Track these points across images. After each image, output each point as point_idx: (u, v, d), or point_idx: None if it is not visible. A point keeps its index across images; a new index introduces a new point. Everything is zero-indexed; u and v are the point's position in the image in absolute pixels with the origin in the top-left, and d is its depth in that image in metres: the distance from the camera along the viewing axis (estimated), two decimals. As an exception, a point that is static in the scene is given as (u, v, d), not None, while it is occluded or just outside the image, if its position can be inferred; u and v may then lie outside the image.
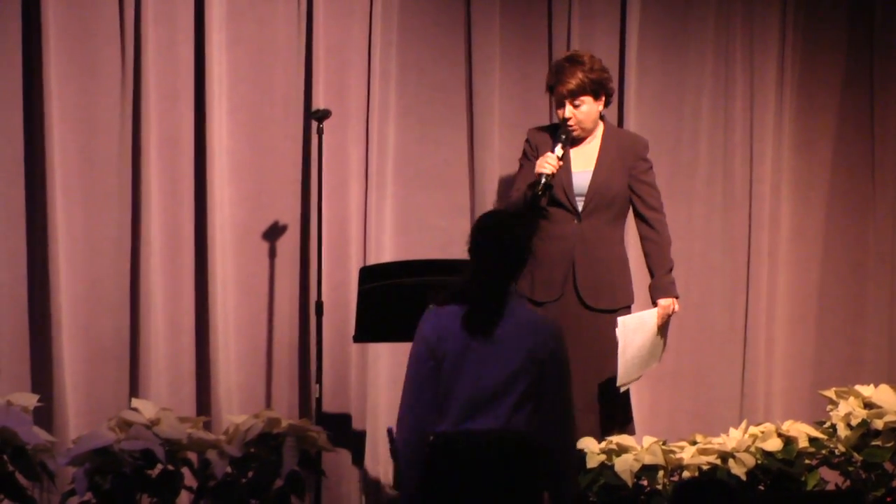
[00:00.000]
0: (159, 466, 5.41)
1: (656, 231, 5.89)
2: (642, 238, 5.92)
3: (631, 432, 5.84)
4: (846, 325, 7.02)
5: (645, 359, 5.83)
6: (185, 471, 5.53)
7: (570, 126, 5.76)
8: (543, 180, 5.65)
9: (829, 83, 7.04)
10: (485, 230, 4.29)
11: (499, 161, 6.47)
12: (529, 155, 5.85)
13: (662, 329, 5.86)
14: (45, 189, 6.04)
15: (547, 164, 5.64)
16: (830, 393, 6.10)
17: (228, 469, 5.44)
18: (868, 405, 6.00)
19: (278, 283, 6.31)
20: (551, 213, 5.74)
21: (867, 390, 6.04)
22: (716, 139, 6.89)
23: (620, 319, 5.70)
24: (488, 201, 6.49)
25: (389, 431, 4.38)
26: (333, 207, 6.28)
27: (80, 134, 6.12)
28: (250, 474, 5.50)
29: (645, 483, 5.80)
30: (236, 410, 6.13)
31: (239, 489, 5.45)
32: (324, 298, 6.03)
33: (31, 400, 5.51)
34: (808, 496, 5.73)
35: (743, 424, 6.02)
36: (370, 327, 5.53)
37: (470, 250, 4.28)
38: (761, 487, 5.86)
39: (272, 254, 6.28)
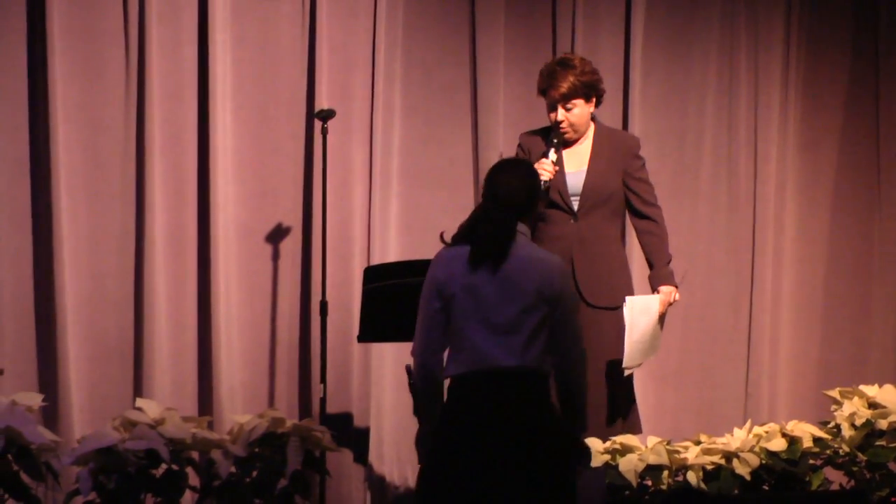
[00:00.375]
0: (163, 466, 5.41)
1: (656, 223, 5.90)
2: (641, 232, 5.91)
3: (637, 431, 5.84)
4: (851, 325, 7.01)
5: (648, 344, 5.83)
6: (190, 470, 5.53)
7: (563, 129, 5.77)
8: (541, 186, 5.64)
9: (834, 83, 7.03)
10: (499, 168, 4.38)
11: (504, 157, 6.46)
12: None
13: (661, 318, 5.87)
14: (49, 188, 6.04)
15: (543, 170, 5.64)
16: (835, 393, 6.09)
17: (233, 469, 5.44)
18: (872, 405, 5.99)
19: (281, 282, 6.31)
20: (548, 215, 5.75)
21: (872, 390, 6.03)
22: (720, 139, 6.88)
23: (628, 299, 5.71)
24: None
25: (407, 368, 4.60)
26: (337, 207, 6.28)
27: (85, 133, 6.12)
28: (254, 474, 5.49)
29: (649, 483, 5.80)
30: (239, 410, 6.14)
31: (243, 489, 5.45)
32: (327, 298, 6.03)
33: (36, 399, 5.51)
34: (812, 496, 5.72)
35: (747, 424, 6.01)
36: (374, 327, 5.53)
37: (483, 192, 4.37)
38: (765, 487, 5.85)
39: (275, 253, 6.28)
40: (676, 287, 5.86)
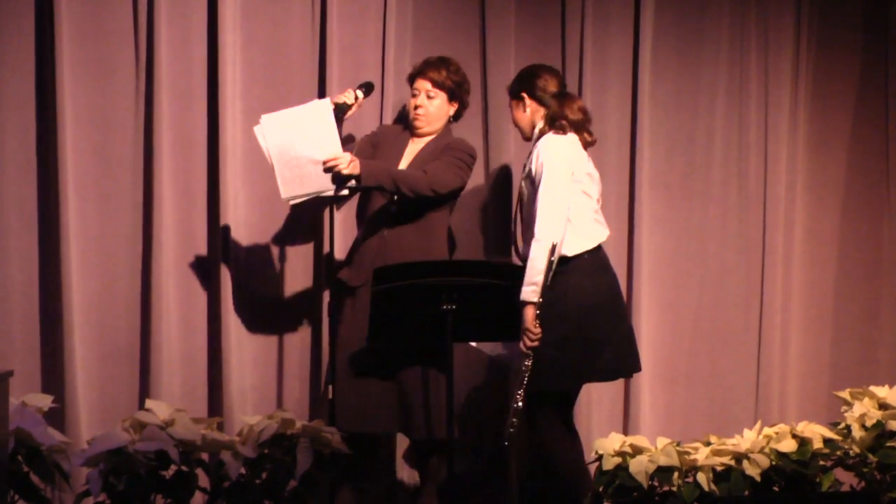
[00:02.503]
0: (173, 467, 5.41)
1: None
2: None
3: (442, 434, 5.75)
4: (861, 326, 7.00)
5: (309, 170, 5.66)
6: (199, 472, 5.52)
7: (417, 115, 5.96)
8: (341, 101, 5.77)
9: (844, 83, 7.02)
10: None
11: (515, 160, 6.45)
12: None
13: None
14: (57, 189, 6.04)
15: (345, 95, 5.80)
16: (845, 394, 6.09)
17: (242, 470, 5.44)
18: (883, 406, 5.99)
19: (291, 283, 6.30)
20: (375, 202, 5.87)
21: (882, 391, 6.03)
22: (730, 140, 6.87)
23: (264, 118, 5.69)
24: (505, 200, 6.48)
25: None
26: (347, 207, 6.27)
27: (94, 134, 6.12)
28: (264, 475, 5.49)
29: (659, 484, 5.80)
30: (249, 411, 6.13)
31: (253, 490, 5.45)
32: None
33: (46, 401, 5.52)
34: (822, 497, 5.72)
35: (757, 425, 6.01)
36: (383, 328, 5.52)
37: None
38: (776, 489, 5.85)
39: (285, 254, 6.27)
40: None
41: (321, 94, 6.27)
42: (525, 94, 5.81)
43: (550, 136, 5.71)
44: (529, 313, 5.47)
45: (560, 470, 5.62)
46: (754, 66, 6.88)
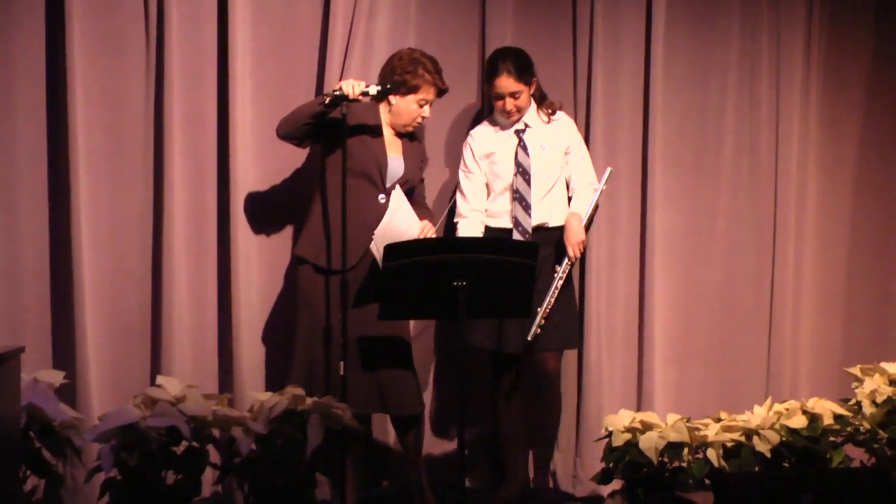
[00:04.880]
0: (184, 443, 5.42)
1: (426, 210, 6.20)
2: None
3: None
4: (873, 303, 6.99)
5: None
6: (210, 448, 5.54)
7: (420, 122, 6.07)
8: (337, 93, 5.77)
9: (857, 60, 6.99)
10: None
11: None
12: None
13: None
14: (68, 166, 6.05)
15: (353, 86, 5.80)
16: (856, 370, 6.08)
17: (253, 446, 5.44)
18: (894, 382, 5.98)
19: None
20: (358, 189, 5.86)
21: (893, 367, 6.02)
22: (742, 116, 6.86)
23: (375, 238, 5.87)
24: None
25: None
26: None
27: (105, 111, 6.13)
28: (275, 452, 5.50)
29: (669, 460, 5.80)
30: (259, 386, 6.15)
31: (264, 466, 5.46)
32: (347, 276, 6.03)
33: (58, 377, 5.53)
34: (833, 473, 5.71)
35: (767, 402, 6.01)
36: (394, 304, 5.53)
37: None
38: (786, 464, 5.85)
39: (296, 230, 6.27)
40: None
41: (323, 71, 6.25)
42: (533, 79, 6.13)
43: (563, 112, 6.27)
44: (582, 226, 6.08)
45: (558, 409, 6.22)
46: (766, 42, 6.86)
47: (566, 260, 6.13)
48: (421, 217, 6.02)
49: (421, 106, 6.01)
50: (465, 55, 6.52)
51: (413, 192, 6.10)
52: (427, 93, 6.00)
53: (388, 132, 6.06)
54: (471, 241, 5.94)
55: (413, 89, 5.98)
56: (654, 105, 6.69)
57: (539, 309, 6.04)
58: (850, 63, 6.99)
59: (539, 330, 6.05)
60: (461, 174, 6.23)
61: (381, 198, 5.96)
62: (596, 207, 6.23)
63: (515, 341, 6.12)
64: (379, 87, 5.88)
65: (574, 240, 6.11)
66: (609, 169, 6.29)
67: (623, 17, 6.67)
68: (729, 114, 6.85)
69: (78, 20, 6.04)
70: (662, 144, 6.72)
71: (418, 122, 6.07)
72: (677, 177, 6.78)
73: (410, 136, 6.11)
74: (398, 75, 5.98)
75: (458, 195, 6.23)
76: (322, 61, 6.30)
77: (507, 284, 5.51)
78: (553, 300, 6.08)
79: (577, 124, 6.61)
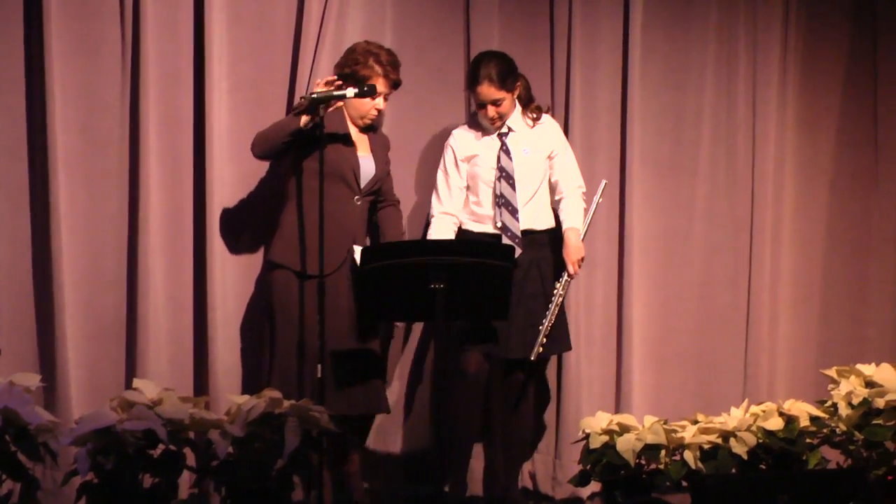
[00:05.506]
0: (161, 446, 5.41)
1: (398, 202, 6.19)
2: (384, 207, 6.15)
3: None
4: (849, 304, 7.01)
5: None
6: (187, 451, 5.52)
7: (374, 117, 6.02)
8: (315, 95, 5.76)
9: (833, 61, 7.02)
10: None
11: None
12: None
13: None
14: (46, 168, 6.03)
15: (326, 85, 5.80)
16: (832, 372, 6.09)
17: (230, 449, 5.43)
18: (870, 384, 5.99)
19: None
20: (332, 192, 5.85)
21: (868, 369, 6.04)
22: (719, 118, 6.87)
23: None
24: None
25: None
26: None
27: (82, 113, 6.11)
28: (252, 454, 5.49)
29: (646, 462, 5.81)
30: (235, 389, 6.14)
31: (241, 469, 5.45)
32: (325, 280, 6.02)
33: (34, 380, 5.50)
34: (809, 475, 5.73)
35: (744, 403, 6.02)
36: (372, 307, 5.53)
37: None
38: (763, 466, 5.86)
39: (272, 232, 6.26)
40: None
41: (295, 74, 6.24)
42: (516, 84, 6.10)
43: (549, 116, 6.25)
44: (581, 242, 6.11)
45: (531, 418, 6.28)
46: (743, 45, 6.88)
47: (565, 275, 6.12)
48: (392, 236, 6.04)
49: (373, 99, 5.96)
50: (447, 56, 6.50)
51: (381, 190, 6.08)
52: (378, 84, 5.93)
53: (353, 131, 6.03)
54: (448, 244, 5.93)
55: (363, 81, 5.93)
56: (631, 107, 6.70)
57: (541, 327, 6.05)
58: (826, 65, 7.01)
59: (542, 348, 6.06)
60: (439, 174, 6.20)
61: (357, 199, 5.94)
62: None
63: (520, 347, 6.10)
64: (356, 90, 5.86)
65: (575, 256, 6.12)
66: (604, 181, 6.29)
67: (600, 18, 6.68)
68: (706, 115, 6.86)
69: (55, 22, 6.01)
70: (640, 146, 6.73)
71: (374, 115, 6.00)
72: (655, 178, 6.79)
73: (373, 129, 6.07)
74: (349, 68, 5.94)
75: (433, 194, 6.20)
76: (294, 64, 6.29)
77: (484, 287, 5.51)
78: (554, 317, 6.07)
79: (554, 126, 6.63)
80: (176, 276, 6.18)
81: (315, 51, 6.26)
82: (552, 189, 6.22)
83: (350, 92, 5.83)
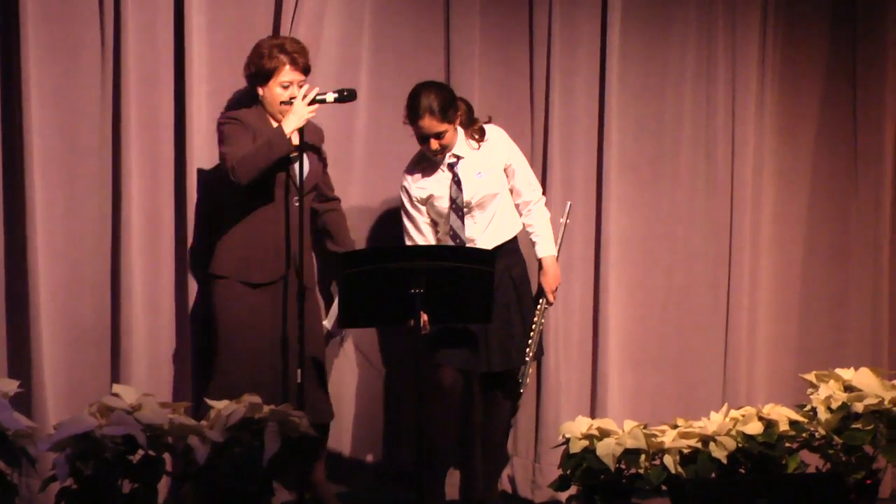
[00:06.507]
0: (141, 452, 5.39)
1: (338, 201, 6.17)
2: (326, 210, 6.12)
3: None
4: (829, 309, 7.03)
5: None
6: (167, 456, 5.50)
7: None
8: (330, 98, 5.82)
9: (812, 67, 7.04)
10: None
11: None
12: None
13: None
14: (23, 172, 5.99)
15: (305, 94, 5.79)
16: (811, 376, 6.11)
17: (210, 454, 5.41)
18: (848, 388, 6.01)
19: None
20: (272, 196, 5.85)
21: (847, 373, 6.06)
22: (698, 123, 6.88)
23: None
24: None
25: None
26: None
27: (60, 117, 6.07)
28: (232, 460, 5.47)
29: (626, 466, 5.81)
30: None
31: (221, 474, 5.43)
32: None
33: (11, 385, 5.48)
34: (788, 479, 5.74)
35: (724, 408, 6.03)
36: (355, 312, 5.52)
37: None
38: (742, 470, 5.87)
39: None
40: None
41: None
42: (457, 114, 6.01)
43: (493, 126, 6.14)
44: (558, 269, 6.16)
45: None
46: (722, 49, 6.89)
47: (543, 302, 6.12)
48: (343, 245, 6.03)
49: (285, 88, 5.89)
50: (427, 61, 6.48)
51: (319, 187, 6.03)
52: (285, 73, 5.88)
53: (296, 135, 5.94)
54: (428, 249, 5.91)
55: (270, 74, 5.87)
56: (609, 112, 6.71)
57: (527, 359, 6.05)
58: (804, 70, 7.03)
59: (528, 380, 6.08)
60: (403, 216, 6.13)
61: (296, 200, 5.89)
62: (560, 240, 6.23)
63: (501, 359, 6.09)
64: (336, 94, 5.84)
65: (554, 284, 6.13)
66: (569, 203, 6.28)
67: (579, 24, 6.69)
68: (685, 120, 6.87)
69: (33, 25, 5.98)
70: (618, 151, 6.74)
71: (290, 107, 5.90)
72: (634, 183, 6.80)
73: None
74: (254, 65, 5.90)
75: (404, 235, 6.13)
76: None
77: (465, 291, 5.52)
78: (535, 345, 6.07)
79: (532, 131, 6.63)
80: (155, 280, 6.15)
81: None
82: (513, 192, 6.18)
83: (330, 97, 5.82)
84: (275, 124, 5.91)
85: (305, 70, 5.93)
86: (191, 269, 6.15)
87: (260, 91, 5.93)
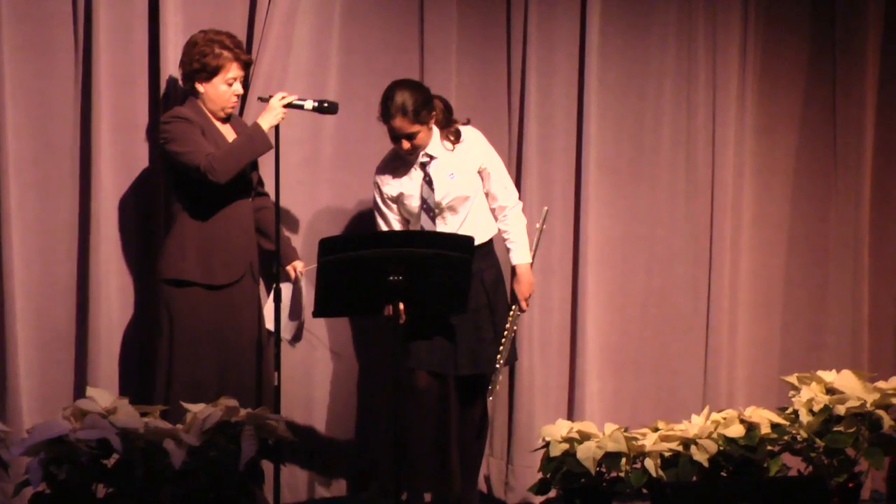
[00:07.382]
0: (115, 456, 5.34)
1: (269, 197, 6.07)
2: (259, 208, 6.03)
3: None
4: (809, 311, 7.03)
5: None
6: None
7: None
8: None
9: (792, 68, 7.03)
10: None
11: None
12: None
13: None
14: (-2, 174, 5.95)
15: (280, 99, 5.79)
16: (793, 379, 6.10)
17: (186, 458, 5.37)
18: (830, 391, 6.00)
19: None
20: (228, 194, 5.79)
21: (829, 376, 6.05)
22: (678, 124, 6.87)
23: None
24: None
25: None
26: (283, 193, 6.18)
27: (34, 118, 6.03)
28: (209, 463, 5.43)
29: (606, 470, 5.79)
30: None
31: (197, 478, 5.39)
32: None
33: (-16, 389, 5.44)
34: (770, 482, 5.73)
35: (705, 411, 6.01)
36: (329, 301, 5.46)
37: None
38: (724, 474, 5.85)
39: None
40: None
41: (247, 78, 6.16)
42: (431, 115, 5.94)
43: (471, 128, 6.06)
44: (532, 276, 6.09)
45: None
46: (702, 50, 6.88)
47: (515, 309, 6.05)
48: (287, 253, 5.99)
49: (230, 85, 5.84)
50: (397, 61, 6.43)
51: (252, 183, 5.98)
52: (231, 70, 5.83)
53: (222, 128, 5.89)
54: (406, 234, 5.83)
55: (216, 70, 5.82)
56: (588, 112, 6.68)
57: (497, 366, 5.97)
58: (785, 71, 7.02)
59: (498, 387, 6.02)
60: (375, 214, 6.09)
61: (250, 198, 5.86)
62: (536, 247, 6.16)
63: (470, 363, 6.04)
64: (315, 104, 5.78)
65: (527, 292, 6.06)
66: (546, 208, 6.19)
67: (557, 24, 6.66)
68: (665, 121, 6.86)
69: (5, 26, 5.93)
70: (597, 151, 6.71)
71: (234, 103, 5.88)
72: (613, 184, 6.78)
73: (229, 119, 5.95)
74: (196, 62, 5.83)
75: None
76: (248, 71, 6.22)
77: (443, 278, 5.47)
78: (507, 352, 6.00)
79: (510, 132, 6.59)
80: (129, 284, 6.09)
81: (255, 56, 6.18)
82: (488, 197, 6.12)
83: (309, 104, 5.77)
84: (215, 122, 5.86)
85: (247, 65, 5.91)
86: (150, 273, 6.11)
87: (200, 87, 5.84)
